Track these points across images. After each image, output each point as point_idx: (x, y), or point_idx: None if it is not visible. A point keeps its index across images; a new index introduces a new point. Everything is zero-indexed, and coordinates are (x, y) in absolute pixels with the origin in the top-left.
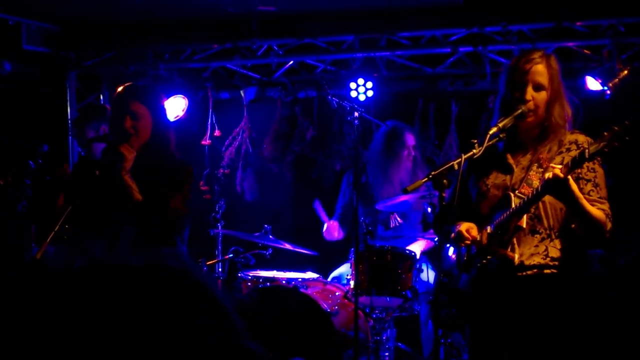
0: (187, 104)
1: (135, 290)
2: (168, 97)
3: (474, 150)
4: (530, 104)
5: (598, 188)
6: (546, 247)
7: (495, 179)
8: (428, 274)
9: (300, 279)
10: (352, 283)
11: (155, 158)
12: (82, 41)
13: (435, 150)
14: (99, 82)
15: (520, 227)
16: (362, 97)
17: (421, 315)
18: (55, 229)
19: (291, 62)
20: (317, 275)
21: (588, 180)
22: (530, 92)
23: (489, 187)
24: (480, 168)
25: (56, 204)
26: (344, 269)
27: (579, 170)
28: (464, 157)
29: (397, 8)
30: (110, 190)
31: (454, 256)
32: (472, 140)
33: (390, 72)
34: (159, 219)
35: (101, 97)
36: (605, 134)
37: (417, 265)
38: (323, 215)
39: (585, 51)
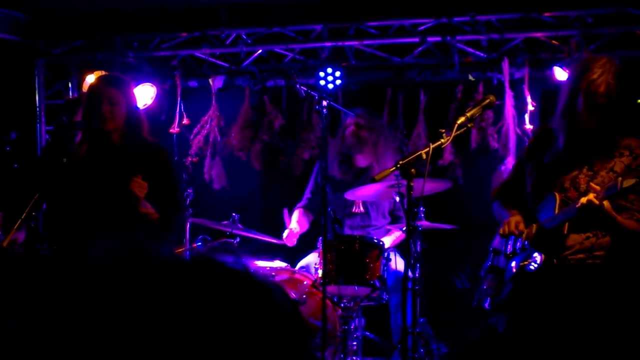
0: (155, 92)
1: (189, 285)
2: (137, 85)
3: (442, 140)
4: (590, 115)
5: None
6: (592, 244)
7: (548, 173)
8: (396, 262)
9: (268, 268)
10: (320, 272)
11: (131, 144)
12: (50, 29)
13: (404, 139)
14: (67, 70)
15: (563, 233)
16: (330, 86)
17: (391, 304)
18: (22, 217)
19: (260, 51)
20: (285, 264)
21: None
22: (592, 109)
23: (540, 180)
24: (538, 158)
25: (24, 191)
26: (312, 258)
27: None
28: (432, 146)
29: None
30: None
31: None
32: (440, 130)
33: (359, 62)
34: (172, 219)
35: (69, 85)
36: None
37: (385, 255)
38: (288, 222)
39: (553, 42)
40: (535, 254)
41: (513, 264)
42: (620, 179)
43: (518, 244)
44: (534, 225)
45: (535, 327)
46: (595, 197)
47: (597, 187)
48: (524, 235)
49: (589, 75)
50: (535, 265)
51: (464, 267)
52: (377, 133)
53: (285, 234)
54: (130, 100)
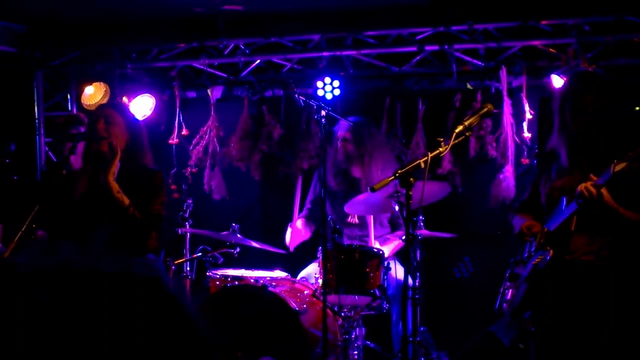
0: (154, 103)
1: (104, 297)
2: (135, 96)
3: (440, 149)
4: (582, 129)
5: None
6: (599, 244)
7: (557, 181)
8: (396, 270)
9: (268, 278)
10: (320, 282)
11: (129, 167)
12: (48, 40)
13: (402, 148)
14: (66, 82)
15: (570, 230)
16: (329, 96)
17: (393, 314)
18: (23, 229)
19: (258, 61)
20: (286, 274)
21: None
22: (583, 122)
23: (552, 188)
24: (548, 170)
25: (24, 203)
26: (312, 269)
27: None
28: (430, 155)
29: (363, 7)
30: (93, 193)
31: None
32: (439, 139)
33: (357, 71)
34: (143, 222)
35: (68, 96)
36: (630, 154)
37: (385, 264)
38: (297, 201)
39: (551, 50)
40: (547, 252)
41: (529, 266)
42: (613, 164)
43: (532, 247)
44: (545, 228)
45: (546, 324)
46: (592, 185)
47: (594, 177)
48: (537, 237)
49: (575, 100)
50: (546, 261)
51: (462, 256)
52: (366, 145)
53: (288, 235)
54: (132, 124)
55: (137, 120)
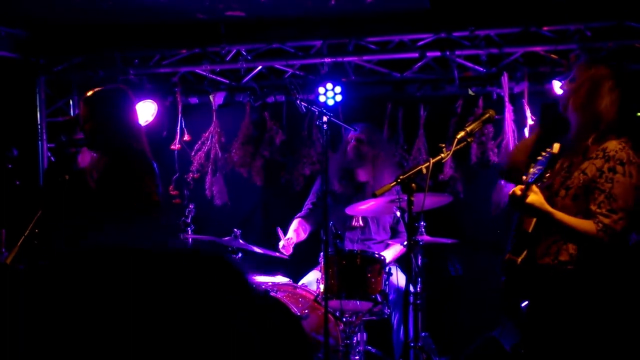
0: (156, 109)
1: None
2: (137, 102)
3: (442, 155)
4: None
5: (611, 199)
6: (558, 248)
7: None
8: (398, 278)
9: (270, 283)
10: (322, 287)
11: (105, 152)
12: (51, 47)
13: (404, 154)
14: (68, 88)
15: (526, 232)
16: (330, 102)
17: (393, 320)
18: (26, 234)
19: (260, 67)
20: (287, 279)
21: (602, 191)
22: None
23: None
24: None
25: (26, 208)
26: (312, 277)
27: (598, 180)
28: (432, 161)
29: (364, 13)
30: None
31: None
32: (440, 145)
33: (359, 77)
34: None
35: (71, 102)
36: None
37: (387, 269)
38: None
39: (553, 56)
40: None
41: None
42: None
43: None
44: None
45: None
46: (523, 185)
47: (525, 177)
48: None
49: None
50: (505, 266)
51: (452, 256)
52: (377, 148)
53: (280, 245)
54: (100, 112)
55: (101, 99)
